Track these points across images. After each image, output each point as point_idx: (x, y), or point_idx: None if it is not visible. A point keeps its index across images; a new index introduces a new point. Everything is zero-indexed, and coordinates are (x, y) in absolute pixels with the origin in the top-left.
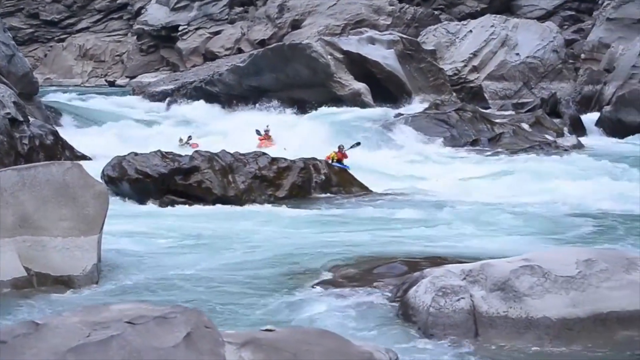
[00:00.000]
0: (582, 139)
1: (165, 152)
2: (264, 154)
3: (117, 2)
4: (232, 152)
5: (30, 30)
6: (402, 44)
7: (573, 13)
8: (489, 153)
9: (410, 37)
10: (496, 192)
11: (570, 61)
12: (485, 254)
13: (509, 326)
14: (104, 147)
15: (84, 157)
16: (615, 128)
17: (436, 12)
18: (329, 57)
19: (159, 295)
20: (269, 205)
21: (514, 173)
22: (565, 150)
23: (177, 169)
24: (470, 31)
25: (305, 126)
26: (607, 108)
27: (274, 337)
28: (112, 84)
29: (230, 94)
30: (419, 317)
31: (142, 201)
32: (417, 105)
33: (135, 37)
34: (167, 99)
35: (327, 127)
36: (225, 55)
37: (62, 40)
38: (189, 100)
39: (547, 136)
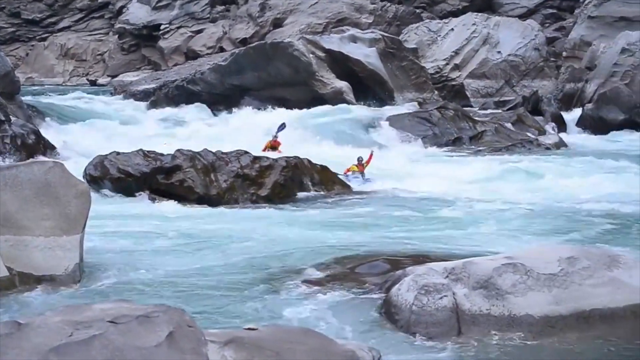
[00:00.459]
0: (564, 137)
1: (147, 151)
2: (246, 152)
3: (99, 1)
4: (214, 150)
5: (12, 29)
6: (384, 42)
7: (554, 11)
8: (471, 151)
9: (392, 36)
10: (479, 190)
11: (552, 59)
12: (468, 252)
13: (492, 324)
14: (86, 146)
15: (66, 156)
16: (597, 126)
17: (418, 11)
18: (311, 55)
19: (141, 295)
20: (251, 204)
21: (496, 171)
22: (548, 148)
23: (159, 167)
24: (452, 29)
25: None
26: (589, 106)
27: (256, 335)
28: (93, 83)
29: (212, 93)
30: (402, 315)
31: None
32: (399, 104)
33: (116, 36)
34: (150, 99)
35: (309, 126)
36: (207, 54)
37: (44, 39)
38: (181, 103)
39: (528, 134)
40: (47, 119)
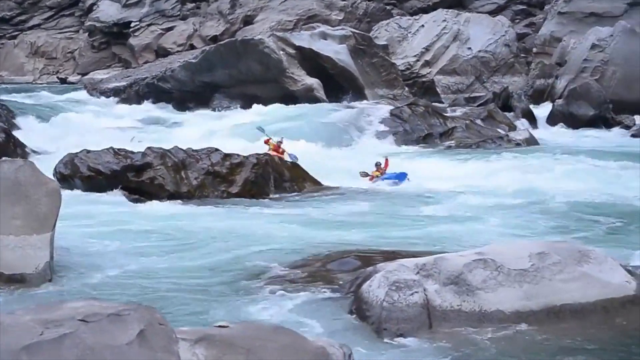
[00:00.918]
0: (535, 133)
1: (118, 149)
2: (217, 149)
3: None
4: (184, 148)
5: None
6: (354, 39)
7: (524, 7)
8: (442, 147)
9: (362, 32)
10: (449, 185)
11: (522, 55)
12: (439, 248)
13: (463, 320)
14: (56, 145)
15: (36, 155)
16: (567, 121)
17: (388, 7)
18: (282, 52)
19: (112, 293)
20: (222, 202)
21: (467, 166)
22: (518, 144)
23: (129, 165)
24: (422, 26)
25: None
26: (559, 101)
27: (227, 333)
28: (64, 81)
29: (183, 90)
30: (373, 312)
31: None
32: (370, 100)
33: (86, 33)
34: (121, 97)
35: (279, 123)
36: (178, 51)
37: (14, 37)
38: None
39: (499, 130)
40: (18, 117)
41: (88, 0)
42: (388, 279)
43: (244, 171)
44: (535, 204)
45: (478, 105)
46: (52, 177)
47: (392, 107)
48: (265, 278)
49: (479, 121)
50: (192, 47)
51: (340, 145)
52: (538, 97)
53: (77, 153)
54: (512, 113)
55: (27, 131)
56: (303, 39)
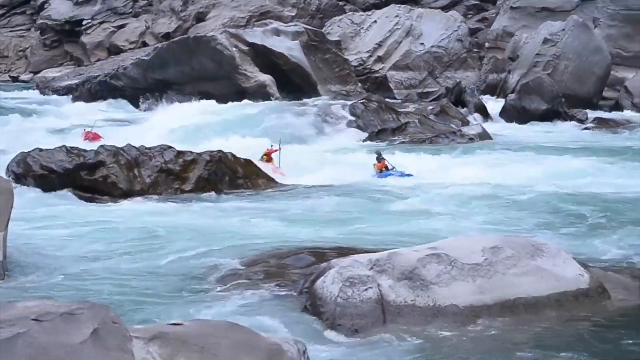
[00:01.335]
0: (488, 127)
1: (70, 147)
2: (170, 147)
3: None
4: (137, 145)
5: None
6: (307, 35)
7: (477, 2)
8: (395, 142)
9: (315, 28)
10: (402, 181)
11: (475, 50)
12: (393, 243)
13: (417, 314)
14: (8, 144)
15: None
16: (519, 116)
17: (340, 3)
18: (234, 49)
19: (66, 292)
20: (176, 199)
21: (420, 161)
22: (471, 138)
23: (82, 164)
24: (375, 21)
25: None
26: (512, 96)
27: (181, 330)
28: (15, 79)
29: (135, 88)
30: (327, 308)
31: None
32: (323, 96)
33: (38, 31)
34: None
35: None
36: (130, 49)
37: None
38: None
39: (452, 125)
40: None
41: None
42: (342, 275)
43: (197, 168)
44: (491, 198)
45: (431, 101)
46: (4, 175)
47: (345, 103)
48: (219, 275)
49: (432, 116)
50: (145, 44)
51: (293, 142)
52: (491, 91)
53: (29, 152)
54: (465, 108)
55: None
56: (256, 35)
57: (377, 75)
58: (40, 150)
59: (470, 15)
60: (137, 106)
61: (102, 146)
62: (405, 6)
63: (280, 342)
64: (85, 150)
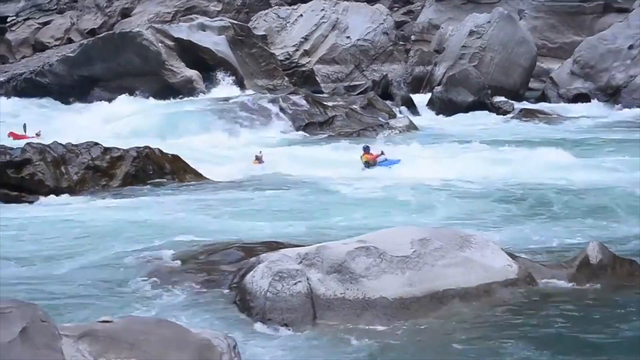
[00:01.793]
0: (415, 119)
1: None
2: (97, 143)
3: None
4: (64, 143)
5: None
6: (233, 29)
7: None
8: (323, 136)
9: (241, 23)
10: (327, 173)
11: (401, 43)
12: (322, 237)
13: (347, 308)
14: None
15: None
16: (446, 108)
17: None
18: (160, 44)
19: None
20: (104, 195)
21: (347, 154)
22: (399, 131)
23: (8, 162)
24: (301, 15)
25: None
26: (438, 88)
27: (111, 328)
28: None
29: (62, 85)
30: (257, 303)
31: None
32: (250, 91)
33: None
34: None
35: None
36: (56, 45)
37: None
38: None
39: (379, 118)
40: None
41: None
42: (271, 269)
43: (124, 165)
44: (419, 190)
45: (358, 94)
46: None
47: (272, 98)
48: (149, 272)
49: (359, 109)
50: (70, 40)
51: (222, 136)
52: (417, 84)
53: None
54: (391, 101)
55: None
56: (182, 30)
57: (303, 69)
58: None
59: (396, 8)
60: (65, 103)
61: (28, 144)
62: (331, 0)
63: (210, 337)
64: (11, 148)
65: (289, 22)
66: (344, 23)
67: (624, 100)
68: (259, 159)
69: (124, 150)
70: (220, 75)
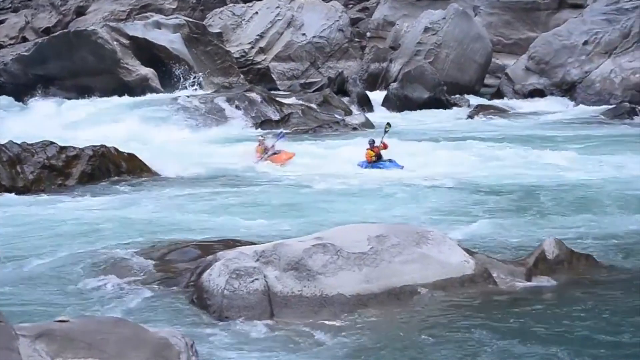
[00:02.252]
0: (370, 116)
1: None
2: (52, 142)
3: None
4: (19, 142)
5: None
6: (188, 27)
7: None
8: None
9: (196, 21)
10: (284, 170)
11: (356, 40)
12: (279, 235)
13: (304, 305)
14: None
15: None
16: (402, 104)
17: None
18: (115, 43)
19: None
20: (60, 194)
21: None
22: (354, 128)
23: None
24: (256, 13)
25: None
26: (394, 85)
27: (68, 327)
28: None
29: (17, 84)
30: (214, 301)
31: None
32: (205, 89)
33: None
34: None
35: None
36: (10, 44)
37: None
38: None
39: (335, 115)
40: None
41: None
42: (228, 267)
43: (80, 164)
44: (377, 187)
45: (314, 91)
46: None
47: (228, 95)
48: (105, 270)
49: (315, 106)
50: (25, 39)
51: (178, 134)
52: (373, 81)
53: None
54: (347, 98)
55: None
56: (137, 28)
57: (259, 66)
58: None
59: (351, 5)
60: (21, 102)
61: None
62: None
63: (167, 336)
64: None
65: (244, 19)
66: (300, 20)
67: (579, 95)
68: (266, 148)
69: (79, 149)
70: (176, 73)
